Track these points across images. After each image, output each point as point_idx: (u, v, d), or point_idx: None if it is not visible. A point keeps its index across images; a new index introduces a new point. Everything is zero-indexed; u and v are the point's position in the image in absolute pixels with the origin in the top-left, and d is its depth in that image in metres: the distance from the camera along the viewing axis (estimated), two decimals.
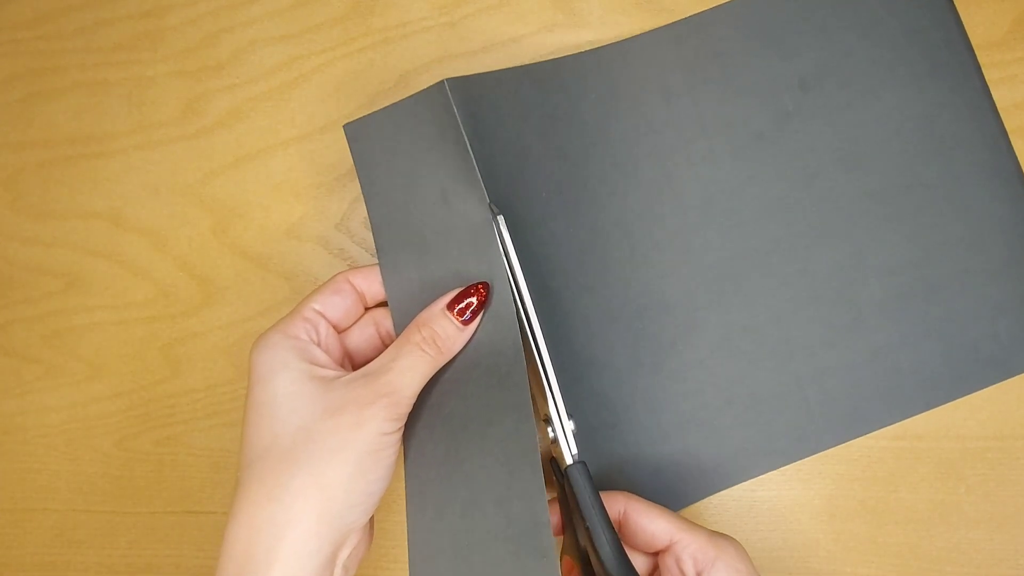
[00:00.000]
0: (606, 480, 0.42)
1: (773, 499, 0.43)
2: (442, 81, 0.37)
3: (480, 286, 0.34)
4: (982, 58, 0.43)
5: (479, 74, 0.40)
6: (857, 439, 0.43)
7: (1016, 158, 0.42)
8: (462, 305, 0.34)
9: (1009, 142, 0.42)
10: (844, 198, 0.42)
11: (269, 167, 0.44)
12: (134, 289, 0.44)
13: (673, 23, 0.43)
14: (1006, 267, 0.42)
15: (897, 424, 0.43)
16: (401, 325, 0.36)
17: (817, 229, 0.42)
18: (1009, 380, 0.43)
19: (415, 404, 0.34)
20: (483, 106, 0.39)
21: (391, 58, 0.44)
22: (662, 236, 0.42)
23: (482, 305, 0.34)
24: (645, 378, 0.42)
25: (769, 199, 0.42)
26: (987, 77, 0.43)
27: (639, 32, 0.44)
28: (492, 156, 0.38)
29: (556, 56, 0.44)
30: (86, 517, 0.44)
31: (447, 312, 0.34)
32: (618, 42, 0.43)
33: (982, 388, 0.42)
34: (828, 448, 0.42)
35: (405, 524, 0.38)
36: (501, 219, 0.35)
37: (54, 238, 0.45)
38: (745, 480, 0.42)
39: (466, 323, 0.34)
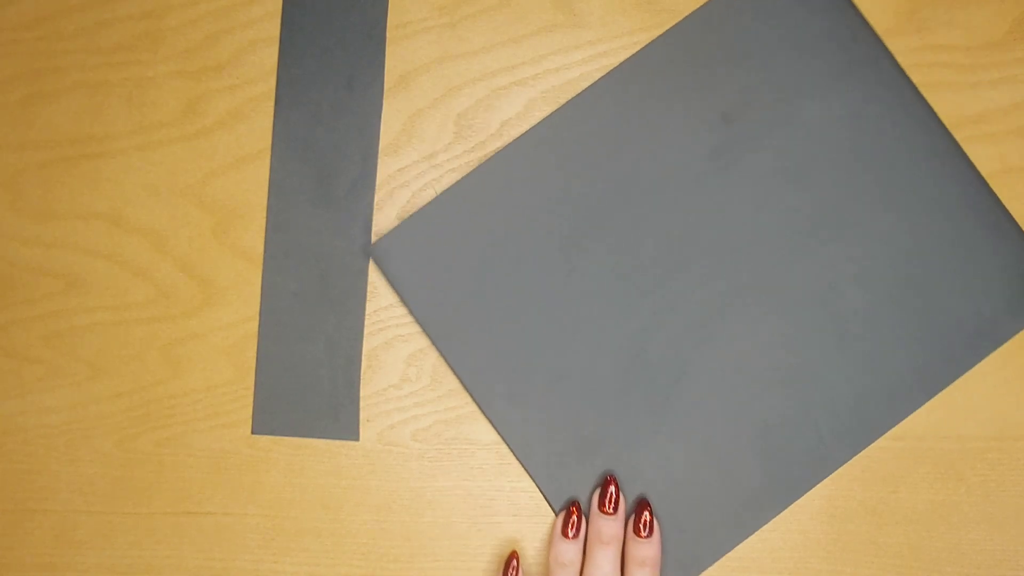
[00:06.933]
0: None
1: None
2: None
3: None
4: (982, 58, 0.44)
5: (400, 228, 0.43)
6: None
7: (949, 133, 0.42)
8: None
9: (935, 116, 0.42)
10: (800, 215, 0.42)
11: (269, 167, 0.44)
12: (134, 290, 0.44)
13: (616, 68, 0.43)
14: (970, 243, 0.42)
15: (897, 424, 0.43)
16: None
17: (783, 251, 0.42)
18: (1009, 381, 0.43)
19: None
20: (433, 242, 0.43)
21: (391, 58, 0.44)
22: (645, 285, 0.42)
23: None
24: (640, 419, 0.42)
25: (729, 234, 0.43)
26: (987, 77, 0.44)
27: (639, 31, 0.44)
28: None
29: (554, 55, 0.44)
30: (86, 518, 0.44)
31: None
32: (565, 105, 0.43)
33: (975, 364, 0.42)
34: (841, 465, 0.42)
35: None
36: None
37: (54, 239, 0.45)
38: (776, 515, 0.42)
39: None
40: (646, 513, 0.41)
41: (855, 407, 0.42)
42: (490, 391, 0.42)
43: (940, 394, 0.43)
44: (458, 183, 0.43)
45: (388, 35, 0.44)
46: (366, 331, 0.44)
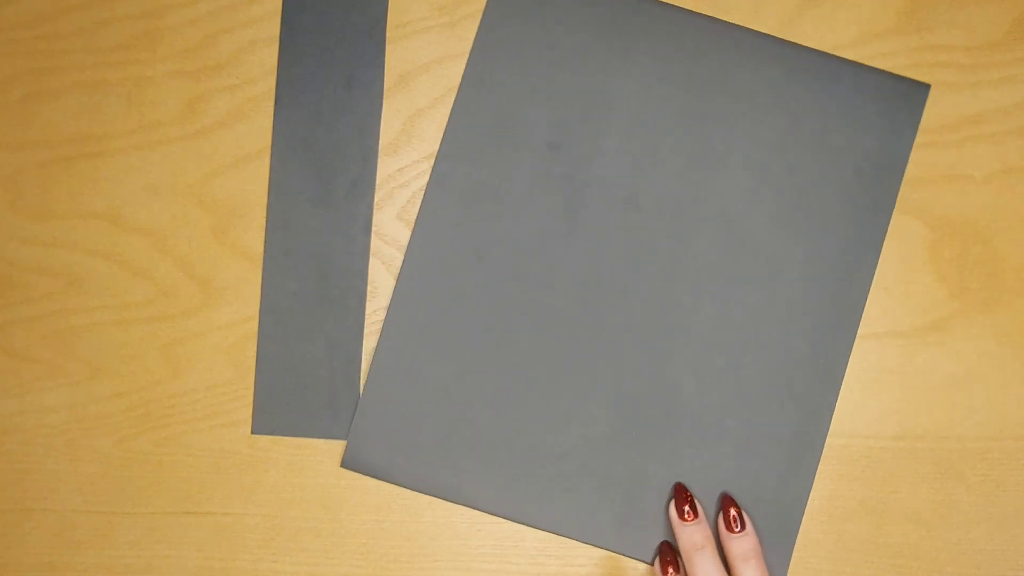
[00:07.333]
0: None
1: None
2: None
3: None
4: (982, 58, 0.44)
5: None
6: (857, 440, 0.43)
7: (755, 31, 0.43)
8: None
9: (736, 26, 0.43)
10: (674, 185, 0.43)
11: (269, 167, 0.44)
12: (134, 289, 0.44)
13: (436, 162, 0.43)
14: (820, 106, 0.43)
15: (897, 424, 0.43)
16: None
17: (681, 228, 0.43)
18: (1009, 381, 0.43)
19: None
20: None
21: (391, 58, 0.44)
22: (593, 326, 0.43)
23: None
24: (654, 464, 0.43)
25: (634, 241, 0.43)
26: (987, 77, 0.44)
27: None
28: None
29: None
30: (85, 517, 0.44)
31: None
32: (421, 213, 0.43)
33: (895, 198, 0.42)
34: (847, 357, 0.42)
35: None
36: None
37: (54, 238, 0.45)
38: (822, 446, 0.42)
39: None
40: (732, 509, 0.41)
41: (822, 307, 0.42)
42: (525, 509, 0.42)
43: (940, 394, 0.43)
44: (378, 347, 0.43)
45: (388, 35, 0.44)
46: (366, 331, 0.44)
